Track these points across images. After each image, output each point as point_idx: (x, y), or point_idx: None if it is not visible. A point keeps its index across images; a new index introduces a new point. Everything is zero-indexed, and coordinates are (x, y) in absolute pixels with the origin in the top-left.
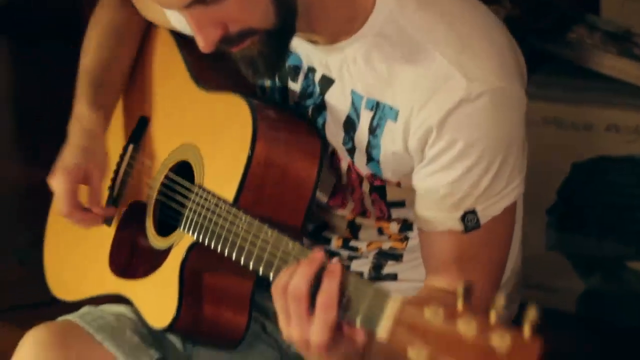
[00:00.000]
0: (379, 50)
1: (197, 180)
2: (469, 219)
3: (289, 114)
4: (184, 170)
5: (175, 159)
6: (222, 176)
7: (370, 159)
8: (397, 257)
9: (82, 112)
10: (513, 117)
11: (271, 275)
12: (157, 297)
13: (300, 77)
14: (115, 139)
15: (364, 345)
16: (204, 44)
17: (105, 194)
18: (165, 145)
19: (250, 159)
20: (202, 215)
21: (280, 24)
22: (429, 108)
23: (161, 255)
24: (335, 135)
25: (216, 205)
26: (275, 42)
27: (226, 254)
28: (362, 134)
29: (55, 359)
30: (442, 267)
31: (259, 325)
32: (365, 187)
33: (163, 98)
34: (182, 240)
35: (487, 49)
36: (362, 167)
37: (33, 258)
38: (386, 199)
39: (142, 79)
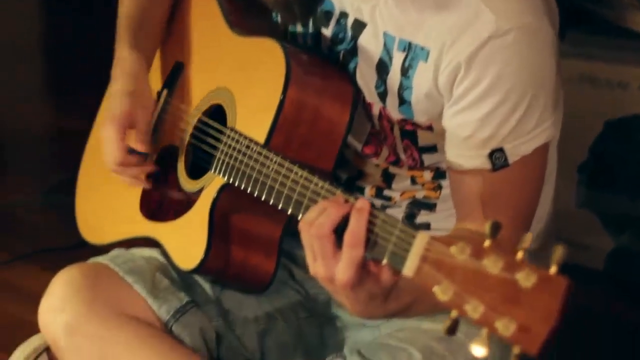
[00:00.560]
0: None
1: (229, 122)
2: (497, 157)
3: (322, 59)
4: (217, 114)
5: (209, 102)
6: (254, 119)
7: (403, 101)
8: (430, 206)
9: (124, 56)
10: (542, 56)
11: (300, 215)
12: (186, 239)
13: (332, 23)
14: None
15: (389, 283)
16: None
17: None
18: (199, 90)
19: (282, 102)
20: (233, 157)
21: None
22: (458, 45)
23: (192, 198)
24: (367, 79)
25: (247, 147)
26: None
27: (256, 194)
28: (394, 76)
29: (85, 300)
30: (471, 207)
31: (286, 272)
32: (397, 132)
33: (198, 43)
34: (212, 182)
35: None
36: (393, 111)
37: (64, 202)
38: (418, 144)
39: (178, 25)
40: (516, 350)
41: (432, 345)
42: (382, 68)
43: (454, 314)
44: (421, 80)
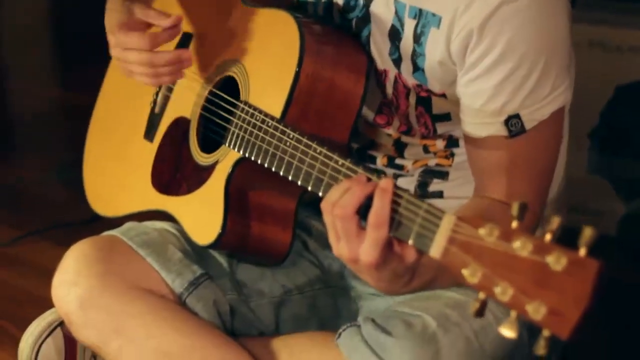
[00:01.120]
0: None
1: (242, 96)
2: (513, 123)
3: (335, 29)
4: (228, 86)
5: (220, 75)
6: (268, 92)
7: (416, 68)
8: (443, 174)
9: None
10: (555, 21)
11: (320, 192)
12: (202, 214)
13: None
14: None
15: (414, 262)
16: None
17: (147, 109)
18: (209, 62)
19: (297, 74)
20: (248, 131)
21: None
22: (471, 12)
23: (205, 172)
24: (381, 46)
25: (263, 121)
26: None
27: (274, 169)
28: (407, 42)
29: (98, 273)
30: (490, 176)
31: (300, 243)
32: (412, 99)
33: (207, 14)
34: (227, 156)
35: None
36: (408, 77)
37: (76, 178)
38: (432, 111)
39: None
40: (546, 333)
41: (447, 312)
42: (395, 35)
43: (482, 295)
44: (433, 48)
